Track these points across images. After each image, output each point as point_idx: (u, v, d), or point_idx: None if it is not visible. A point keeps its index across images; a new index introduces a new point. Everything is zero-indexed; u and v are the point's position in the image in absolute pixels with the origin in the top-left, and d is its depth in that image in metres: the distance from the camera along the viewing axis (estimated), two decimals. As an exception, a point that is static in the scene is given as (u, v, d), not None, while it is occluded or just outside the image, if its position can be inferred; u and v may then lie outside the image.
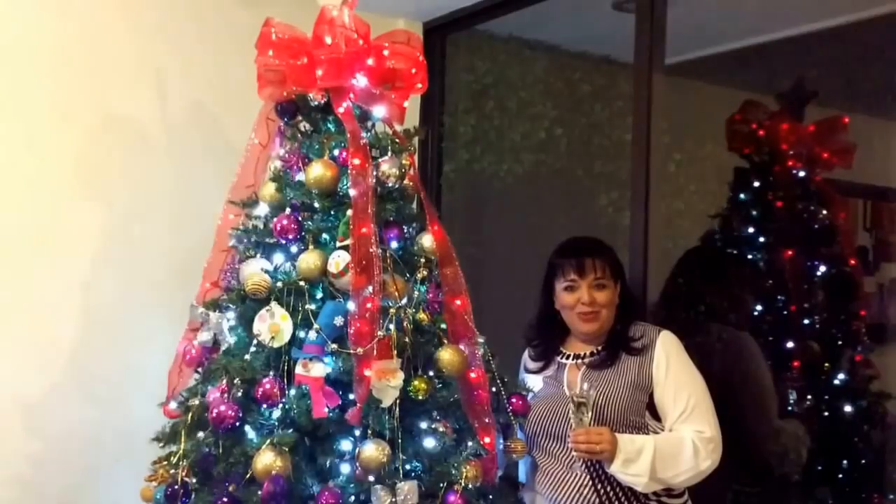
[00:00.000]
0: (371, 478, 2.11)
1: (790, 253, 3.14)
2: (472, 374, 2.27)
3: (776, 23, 3.32)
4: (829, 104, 3.36)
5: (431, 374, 2.24)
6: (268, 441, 2.08)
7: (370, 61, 2.42)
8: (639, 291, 2.71)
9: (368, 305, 2.15)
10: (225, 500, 2.11)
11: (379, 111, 2.45)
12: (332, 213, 2.33)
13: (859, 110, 3.39)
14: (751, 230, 3.20)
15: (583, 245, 2.46)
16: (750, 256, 3.18)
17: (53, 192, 2.87)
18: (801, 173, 3.22)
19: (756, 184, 3.26)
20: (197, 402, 2.26)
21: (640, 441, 2.24)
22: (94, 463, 2.89)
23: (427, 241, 2.36)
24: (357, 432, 2.16)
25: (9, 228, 2.80)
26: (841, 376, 3.07)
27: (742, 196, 3.27)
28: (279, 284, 2.24)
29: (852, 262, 3.21)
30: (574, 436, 2.22)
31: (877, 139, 3.38)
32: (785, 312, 3.11)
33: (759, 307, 3.11)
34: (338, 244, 2.28)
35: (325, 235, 2.32)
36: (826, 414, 3.03)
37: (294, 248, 2.32)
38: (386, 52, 2.44)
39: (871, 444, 3.05)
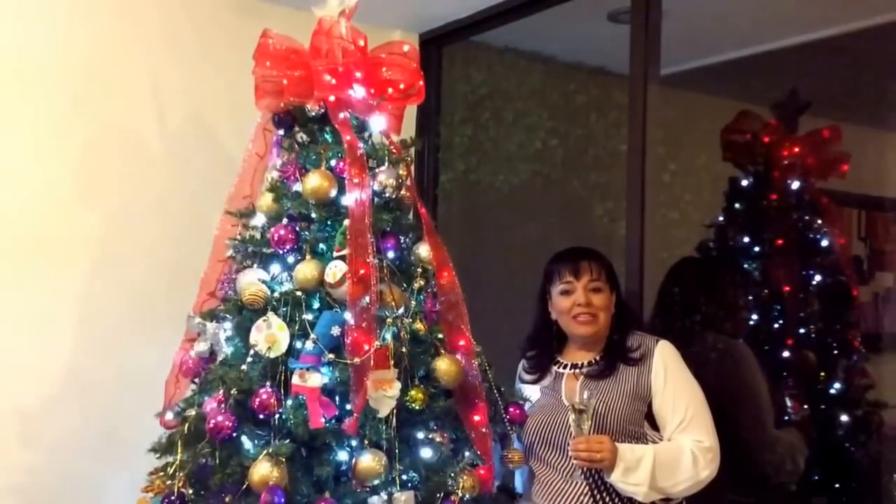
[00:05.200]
0: (368, 488, 2.11)
1: (785, 262, 3.15)
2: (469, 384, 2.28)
3: (770, 34, 3.34)
4: (823, 114, 3.38)
5: (428, 383, 2.24)
6: (264, 452, 2.08)
7: (367, 72, 2.43)
8: (635, 301, 2.71)
9: (365, 315, 2.15)
10: (222, 510, 2.11)
11: (376, 122, 2.46)
12: (329, 223, 2.34)
13: (853, 120, 3.41)
14: (746, 239, 3.22)
15: (577, 250, 2.49)
16: (745, 266, 3.19)
17: (51, 202, 2.87)
18: (796, 183, 3.23)
19: (751, 193, 3.28)
20: (193, 412, 2.25)
21: (639, 450, 2.24)
22: (90, 473, 2.88)
23: (424, 250, 2.37)
24: (354, 443, 2.16)
25: (7, 237, 2.80)
26: (837, 385, 3.08)
27: (737, 205, 3.28)
28: (276, 295, 2.24)
29: (847, 271, 3.22)
30: (574, 444, 2.22)
31: (871, 149, 3.40)
32: (780, 322, 3.12)
33: (754, 316, 3.12)
34: (335, 254, 2.28)
35: (321, 246, 2.32)
36: (822, 423, 3.04)
37: (291, 259, 2.32)
38: (383, 64, 2.45)
39: (867, 453, 3.06)
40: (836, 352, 3.11)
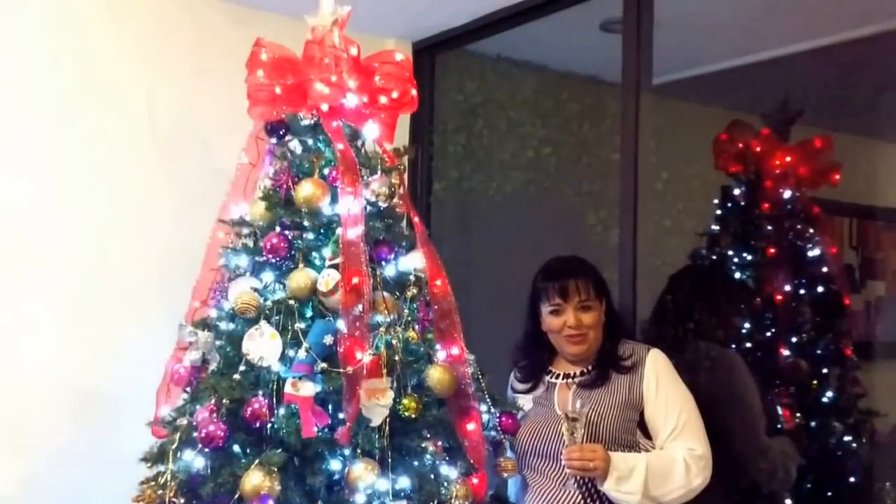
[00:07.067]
0: (360, 498, 2.10)
1: (777, 271, 3.16)
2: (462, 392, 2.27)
3: (762, 43, 3.36)
4: (815, 123, 3.39)
5: (421, 392, 2.24)
6: (256, 461, 2.07)
7: (360, 81, 2.43)
8: (628, 309, 2.72)
9: (358, 324, 2.15)
10: (213, 520, 2.10)
11: (369, 130, 2.46)
12: (322, 231, 2.34)
13: (845, 130, 3.42)
14: (738, 248, 3.22)
15: (565, 267, 2.46)
16: (738, 274, 3.20)
17: (43, 210, 2.86)
18: (787, 192, 3.24)
19: (743, 202, 3.29)
20: (185, 421, 2.24)
21: (632, 459, 2.24)
22: (81, 483, 2.86)
23: (417, 259, 2.36)
24: (346, 452, 2.16)
25: (-2, 245, 2.80)
26: (829, 394, 3.09)
27: (729, 214, 3.29)
28: (269, 303, 2.24)
29: (839, 280, 3.23)
30: (567, 453, 2.22)
31: (862, 158, 3.42)
32: (773, 330, 3.12)
33: (746, 325, 3.12)
34: (327, 263, 2.28)
35: (314, 254, 2.32)
36: (814, 432, 3.04)
37: (284, 267, 2.32)
38: (376, 73, 2.46)
39: (859, 462, 3.07)
40: (828, 360, 3.11)
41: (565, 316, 2.39)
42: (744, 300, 3.15)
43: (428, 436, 2.24)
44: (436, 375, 2.23)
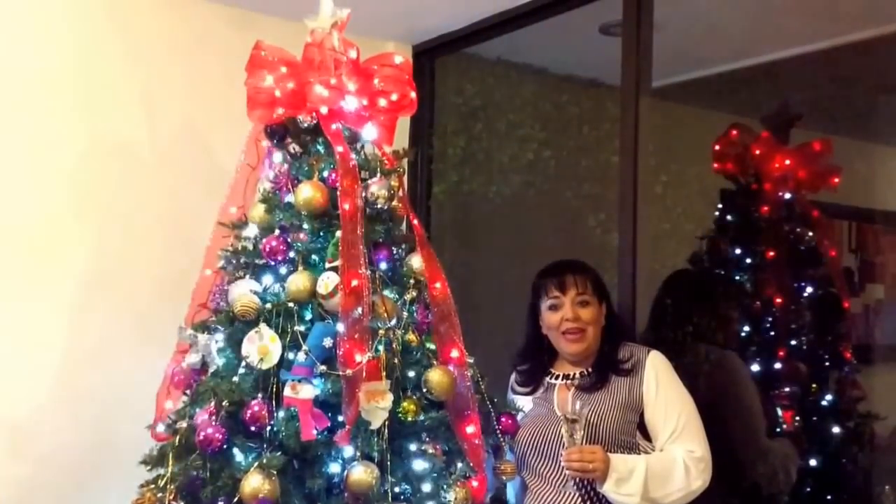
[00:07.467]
0: (360, 501, 2.10)
1: (776, 274, 3.16)
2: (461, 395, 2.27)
3: (761, 47, 3.36)
4: (814, 127, 3.40)
5: (420, 395, 2.24)
6: (256, 464, 2.07)
7: (359, 84, 2.44)
8: (627, 312, 2.72)
9: (357, 327, 2.15)
10: (212, 523, 2.10)
11: (368, 133, 2.47)
12: (322, 234, 2.33)
13: (844, 133, 3.43)
14: (737, 251, 3.23)
15: (564, 265, 2.48)
16: (737, 277, 3.20)
17: (43, 215, 2.86)
18: (787, 195, 3.25)
19: (742, 205, 3.29)
20: (185, 424, 2.24)
21: (632, 461, 2.24)
22: (81, 486, 2.85)
23: (416, 261, 2.37)
24: (346, 454, 2.16)
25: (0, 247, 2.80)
26: (828, 397, 3.09)
27: (728, 217, 3.30)
28: (268, 306, 2.24)
29: (838, 283, 3.24)
30: (567, 454, 2.22)
31: (861, 162, 3.42)
32: (772, 333, 3.12)
33: (746, 328, 3.12)
34: (327, 265, 2.28)
35: (314, 257, 2.32)
36: (814, 434, 3.04)
37: (283, 270, 2.32)
38: (375, 75, 2.46)
39: (858, 465, 3.07)
40: (827, 363, 3.12)
41: (563, 311, 2.39)
42: (743, 303, 3.15)
43: (427, 439, 2.24)
44: (435, 378, 2.23)
